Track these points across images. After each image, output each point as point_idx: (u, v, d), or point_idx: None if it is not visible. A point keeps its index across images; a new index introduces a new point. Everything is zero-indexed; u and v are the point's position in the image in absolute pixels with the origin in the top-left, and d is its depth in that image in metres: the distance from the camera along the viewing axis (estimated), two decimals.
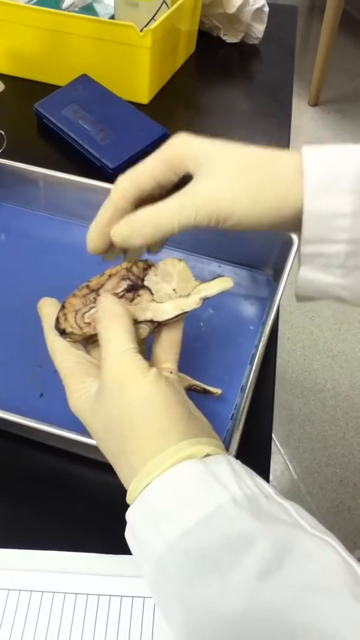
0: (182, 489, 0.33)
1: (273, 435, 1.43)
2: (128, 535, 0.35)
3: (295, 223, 0.38)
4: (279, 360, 1.58)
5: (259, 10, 0.94)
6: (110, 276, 0.42)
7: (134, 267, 0.43)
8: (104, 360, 0.37)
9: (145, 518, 0.34)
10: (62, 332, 0.41)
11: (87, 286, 0.42)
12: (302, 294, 0.40)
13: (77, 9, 0.88)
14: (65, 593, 0.41)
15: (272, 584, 0.29)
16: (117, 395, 0.36)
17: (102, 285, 0.42)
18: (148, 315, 0.41)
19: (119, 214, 0.41)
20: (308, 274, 0.39)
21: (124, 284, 0.42)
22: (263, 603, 0.29)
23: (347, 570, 0.29)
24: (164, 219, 0.39)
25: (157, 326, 0.42)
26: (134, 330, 0.39)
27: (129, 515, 0.35)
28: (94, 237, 0.42)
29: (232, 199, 0.37)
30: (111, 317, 0.39)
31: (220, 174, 0.38)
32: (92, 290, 0.42)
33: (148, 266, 0.43)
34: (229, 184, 0.37)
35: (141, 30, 0.78)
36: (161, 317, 0.41)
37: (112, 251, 0.43)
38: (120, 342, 0.37)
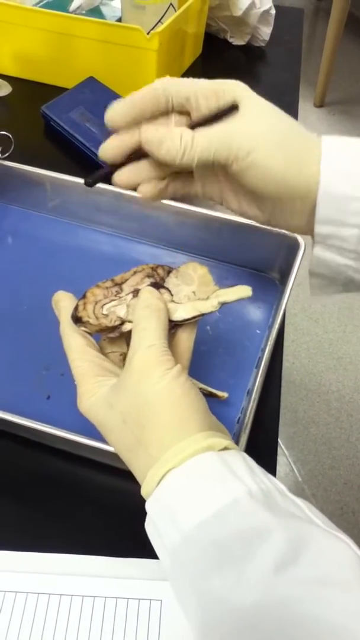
0: (199, 480, 0.34)
1: (278, 438, 1.43)
2: (148, 525, 0.35)
3: (306, 201, 0.38)
4: (283, 363, 1.58)
5: (266, 12, 0.94)
6: (135, 272, 0.43)
7: (159, 268, 0.44)
8: (134, 349, 0.38)
9: (163, 508, 0.34)
10: (78, 320, 0.42)
11: (112, 279, 0.43)
12: (316, 270, 0.41)
13: (84, 12, 0.88)
14: (72, 596, 0.41)
15: (286, 578, 0.29)
16: (141, 384, 0.36)
17: (126, 280, 0.43)
18: None
19: (152, 94, 0.40)
20: (322, 254, 0.39)
21: (147, 281, 0.43)
22: (277, 596, 0.29)
23: None
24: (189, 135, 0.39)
25: (173, 327, 0.42)
26: (167, 328, 0.40)
27: (148, 506, 0.35)
28: (120, 102, 0.41)
29: (258, 135, 0.38)
30: (153, 310, 0.40)
31: (255, 114, 0.39)
32: (116, 284, 0.43)
33: (171, 270, 0.44)
34: (260, 124, 0.39)
35: (148, 33, 0.78)
36: (179, 316, 0.42)
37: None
38: (154, 335, 0.38)
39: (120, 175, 0.42)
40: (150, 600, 0.41)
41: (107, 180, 0.64)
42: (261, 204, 0.42)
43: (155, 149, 0.39)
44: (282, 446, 1.42)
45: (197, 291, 0.43)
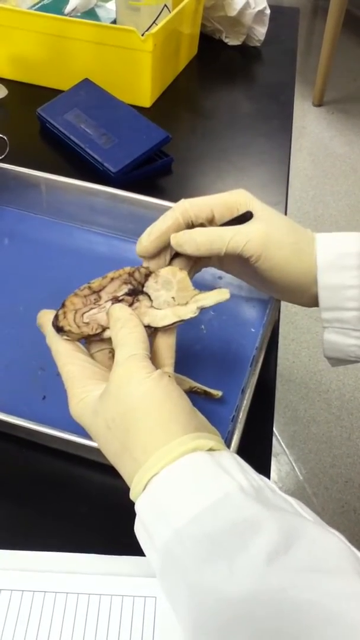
0: (190, 477, 0.34)
1: (279, 436, 1.43)
2: (137, 527, 0.36)
3: (312, 290, 0.45)
4: (284, 362, 1.58)
5: (260, 12, 0.94)
6: (112, 279, 0.43)
7: (136, 272, 0.44)
8: (116, 363, 0.39)
9: (154, 507, 0.35)
10: (60, 330, 0.42)
11: (89, 287, 0.43)
12: (330, 354, 0.47)
13: (79, 14, 0.89)
14: (67, 593, 0.41)
15: (279, 567, 0.30)
16: (122, 391, 0.37)
17: (103, 287, 0.43)
18: (146, 321, 0.43)
19: (175, 225, 0.45)
20: (331, 337, 0.46)
21: (125, 288, 0.43)
22: (271, 585, 0.30)
23: (353, 556, 0.31)
24: (218, 237, 0.44)
25: (154, 331, 0.43)
26: (147, 339, 0.41)
27: (138, 506, 0.36)
28: (149, 239, 0.45)
29: (278, 246, 0.44)
30: (130, 328, 0.41)
31: (267, 219, 0.45)
32: (94, 292, 0.43)
33: (149, 273, 0.44)
34: (276, 235, 0.45)
35: (143, 35, 0.78)
36: (159, 323, 0.43)
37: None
38: (133, 348, 0.40)
39: None
40: (145, 597, 0.41)
41: (103, 181, 0.63)
42: (275, 288, 0.48)
43: (203, 246, 0.44)
44: (283, 445, 1.42)
45: (176, 296, 0.44)
